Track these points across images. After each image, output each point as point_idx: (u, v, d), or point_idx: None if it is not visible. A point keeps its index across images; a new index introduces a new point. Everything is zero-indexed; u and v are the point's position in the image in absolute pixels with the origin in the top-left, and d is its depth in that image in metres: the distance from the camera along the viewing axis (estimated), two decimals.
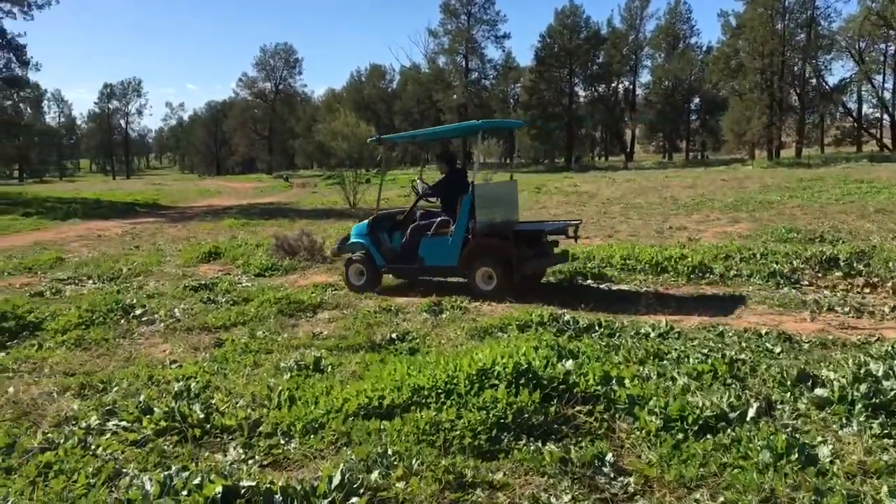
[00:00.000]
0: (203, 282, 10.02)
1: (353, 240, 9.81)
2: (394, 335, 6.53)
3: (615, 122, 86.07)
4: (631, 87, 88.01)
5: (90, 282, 10.90)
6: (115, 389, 5.21)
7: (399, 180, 48.69)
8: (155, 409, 4.54)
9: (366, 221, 9.78)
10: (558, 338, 6.02)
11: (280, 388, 4.87)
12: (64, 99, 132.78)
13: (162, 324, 7.41)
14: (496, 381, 4.52)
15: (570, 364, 4.91)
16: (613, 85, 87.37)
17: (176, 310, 7.96)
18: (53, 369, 5.83)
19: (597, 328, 6.52)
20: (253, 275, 11.13)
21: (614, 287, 8.87)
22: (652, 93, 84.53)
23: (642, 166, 66.13)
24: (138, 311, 7.71)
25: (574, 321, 6.65)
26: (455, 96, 79.02)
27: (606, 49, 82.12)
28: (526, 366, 4.65)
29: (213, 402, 4.70)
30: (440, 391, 4.49)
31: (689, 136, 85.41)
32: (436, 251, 8.98)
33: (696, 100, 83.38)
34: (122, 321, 7.42)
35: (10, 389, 5.24)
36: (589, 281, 9.27)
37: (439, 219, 9.23)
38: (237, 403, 4.72)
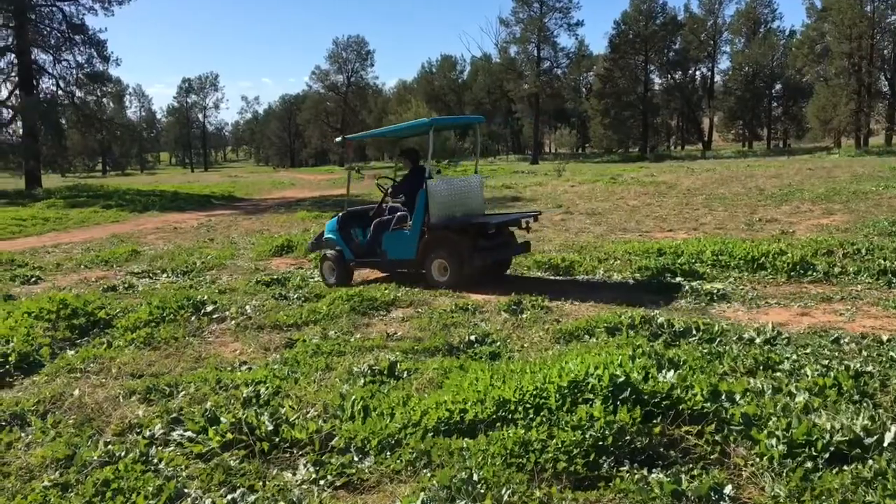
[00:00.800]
0: (275, 276, 9.82)
1: (326, 236, 10.15)
2: (472, 337, 6.11)
3: (692, 110, 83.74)
4: (709, 73, 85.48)
5: (164, 275, 10.84)
6: (181, 394, 4.95)
7: (470, 171, 48.34)
8: (222, 418, 4.25)
9: (335, 218, 10.18)
10: (653, 344, 5.51)
11: (353, 396, 4.52)
12: (145, 94, 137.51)
13: (233, 321, 7.17)
14: (590, 396, 4.06)
15: (671, 376, 4.41)
16: (690, 72, 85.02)
17: (247, 306, 7.72)
18: (121, 370, 5.62)
19: (694, 332, 5.97)
20: None
21: (707, 285, 8.23)
22: (731, 79, 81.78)
23: (721, 155, 64.03)
24: (209, 308, 7.50)
25: (669, 324, 6.11)
26: (526, 86, 77.86)
27: (683, 35, 79.87)
28: (623, 378, 4.17)
29: (283, 411, 4.38)
30: (528, 405, 4.05)
31: (771, 124, 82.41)
32: (396, 245, 9.37)
33: (779, 86, 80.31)
34: (193, 318, 7.22)
35: (76, 392, 5.03)
36: (678, 278, 8.65)
37: (398, 214, 9.62)
38: (308, 413, 4.38)
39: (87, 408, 4.74)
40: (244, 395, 4.79)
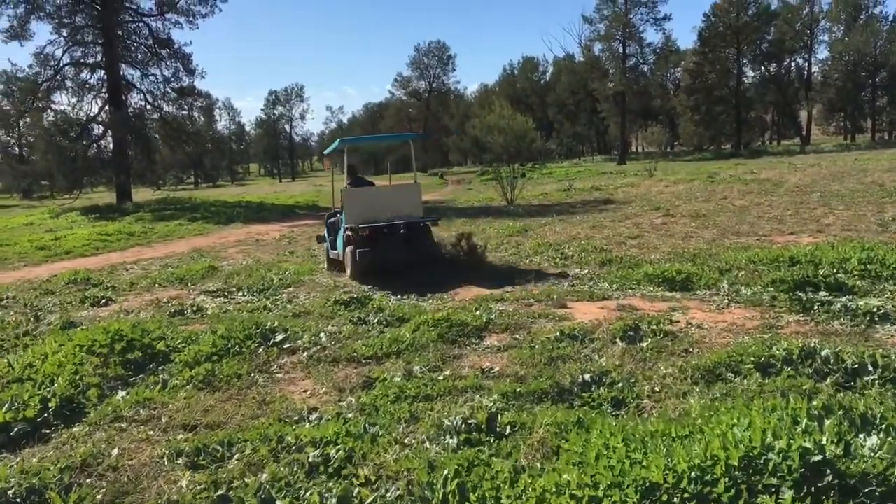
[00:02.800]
0: (354, 295, 8.91)
1: (324, 232, 12.21)
2: (587, 376, 5.00)
3: (788, 103, 79.79)
4: (806, 64, 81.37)
5: (239, 293, 10.12)
6: (235, 457, 4.04)
7: (556, 173, 46.96)
8: (278, 502, 3.29)
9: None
10: (822, 386, 4.30)
11: (446, 469, 3.50)
12: (234, 107, 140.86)
13: (305, 353, 6.27)
14: (774, 481, 2.92)
15: (876, 444, 3.22)
16: (786, 63, 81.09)
17: (322, 333, 6.82)
18: (172, 419, 4.77)
19: (871, 369, 4.70)
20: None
21: (860, 301, 6.87)
22: (831, 69, 77.53)
23: (822, 150, 60.50)
24: (279, 337, 6.62)
25: (836, 358, 4.86)
26: (612, 84, 75.84)
27: (778, 25, 76.25)
28: (818, 453, 3.02)
29: (356, 492, 3.39)
30: (687, 495, 2.94)
31: (875, 115, 77.63)
32: (340, 244, 11.00)
33: (883, 74, 75.56)
34: (261, 350, 6.35)
35: (115, 452, 4.19)
36: (822, 293, 7.30)
37: (338, 217, 11.24)
38: (387, 493, 3.39)
39: (122, 475, 3.89)
40: (310, 459, 3.84)
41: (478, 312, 7.33)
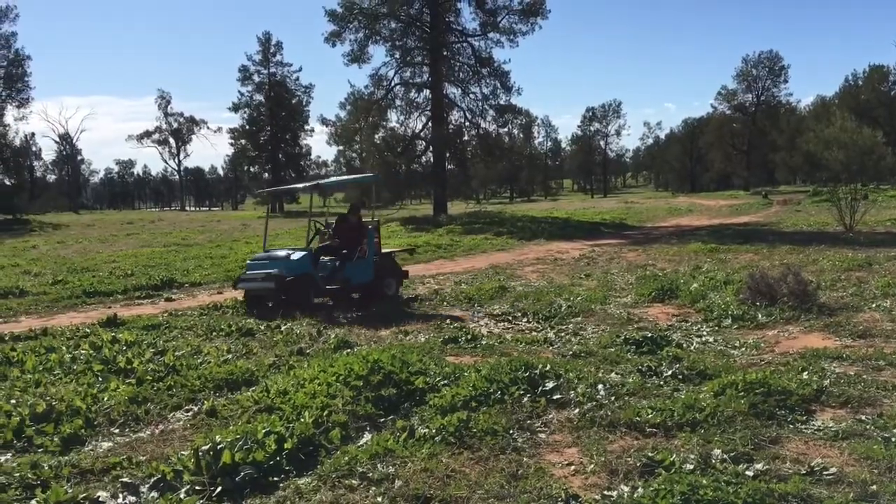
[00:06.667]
0: (649, 333, 7.64)
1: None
2: None
3: None
4: None
5: (524, 319, 9.39)
6: None
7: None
8: None
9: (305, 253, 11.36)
10: None
11: None
12: (552, 124, 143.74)
13: (577, 409, 5.21)
14: None
15: None
16: None
17: (601, 385, 5.70)
18: (406, 485, 3.98)
19: None
20: (715, 325, 8.45)
21: None
22: None
23: None
24: (549, 385, 5.62)
25: None
26: None
27: None
28: None
29: None
30: None
31: None
32: (357, 270, 11.48)
33: None
34: (526, 399, 5.40)
35: None
36: None
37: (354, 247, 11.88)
38: None
39: None
40: None
41: (805, 375, 5.72)
